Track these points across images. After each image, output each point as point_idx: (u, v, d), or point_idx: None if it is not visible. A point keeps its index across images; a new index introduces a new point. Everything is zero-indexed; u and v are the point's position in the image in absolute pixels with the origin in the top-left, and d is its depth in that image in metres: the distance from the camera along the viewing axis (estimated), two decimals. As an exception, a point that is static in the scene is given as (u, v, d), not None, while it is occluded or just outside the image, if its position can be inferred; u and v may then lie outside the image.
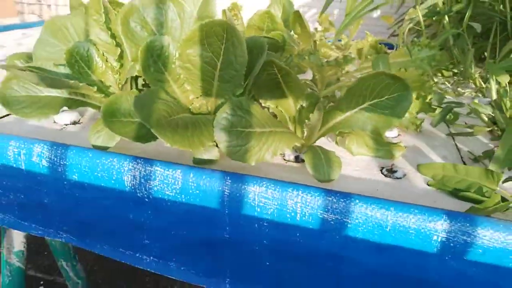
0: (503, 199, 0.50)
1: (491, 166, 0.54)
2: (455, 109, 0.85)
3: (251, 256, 0.52)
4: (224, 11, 1.03)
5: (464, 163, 0.65)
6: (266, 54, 0.56)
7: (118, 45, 0.60)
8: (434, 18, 1.19)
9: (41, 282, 1.83)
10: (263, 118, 0.53)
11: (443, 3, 1.20)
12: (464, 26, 1.01)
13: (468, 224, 0.43)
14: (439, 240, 0.44)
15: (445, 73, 1.22)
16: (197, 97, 0.58)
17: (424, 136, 0.75)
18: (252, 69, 0.53)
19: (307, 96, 0.55)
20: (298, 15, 0.82)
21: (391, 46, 1.64)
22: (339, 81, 0.98)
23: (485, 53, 1.19)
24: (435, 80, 1.14)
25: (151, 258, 0.56)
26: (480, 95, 1.05)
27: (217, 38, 0.52)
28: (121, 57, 0.61)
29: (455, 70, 1.21)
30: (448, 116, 0.82)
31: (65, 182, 0.56)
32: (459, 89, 1.11)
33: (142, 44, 0.54)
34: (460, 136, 0.75)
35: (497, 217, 0.50)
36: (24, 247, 1.07)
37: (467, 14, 1.01)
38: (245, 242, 0.51)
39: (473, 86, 1.11)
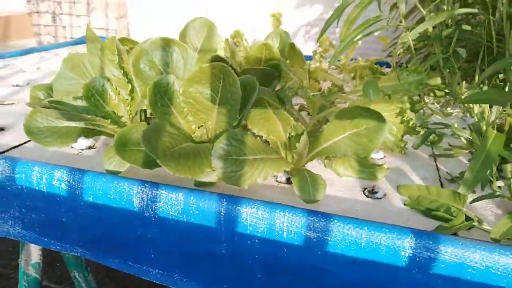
0: (468, 219, 0.56)
1: (460, 189, 0.60)
2: (440, 130, 0.92)
3: (244, 269, 0.58)
4: (227, 40, 1.11)
5: (442, 184, 0.71)
6: (260, 89, 0.64)
7: (130, 81, 0.68)
8: (425, 42, 1.25)
9: (54, 292, 1.92)
10: (256, 147, 0.60)
11: (435, 27, 1.27)
12: (451, 50, 1.07)
13: (431, 242, 0.50)
14: (406, 255, 0.50)
15: (438, 93, 1.28)
16: (199, 127, 0.66)
17: (408, 158, 0.82)
18: (246, 104, 0.60)
19: (295, 127, 0.62)
20: (292, 47, 0.89)
21: (389, 65, 1.71)
22: (334, 104, 1.06)
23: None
24: (427, 100, 1.21)
25: (157, 270, 0.63)
26: (468, 115, 1.11)
27: (215, 78, 0.60)
28: (132, 91, 0.69)
29: (447, 90, 1.27)
30: (432, 137, 0.89)
31: (82, 203, 0.64)
32: (448, 109, 1.17)
33: (150, 82, 0.62)
34: (442, 157, 0.82)
35: (463, 235, 0.56)
36: (40, 259, 1.14)
37: (454, 39, 1.07)
38: (239, 256, 0.58)
39: (462, 105, 1.17)
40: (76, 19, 2.57)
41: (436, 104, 1.18)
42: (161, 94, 0.63)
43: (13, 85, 1.23)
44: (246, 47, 1.52)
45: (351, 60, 1.63)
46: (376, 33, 1.61)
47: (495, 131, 0.65)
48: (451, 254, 0.49)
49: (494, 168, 0.66)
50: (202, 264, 0.61)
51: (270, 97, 0.73)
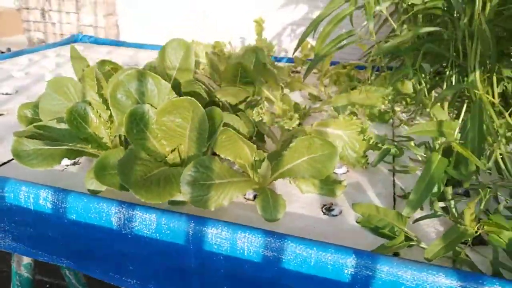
0: (407, 238, 0.63)
1: (405, 210, 0.67)
2: (403, 143, 0.99)
3: (212, 282, 0.65)
4: (207, 54, 1.17)
5: (395, 200, 0.78)
6: (229, 116, 0.70)
7: (109, 107, 0.74)
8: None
9: (47, 286, 2.00)
10: (222, 171, 0.66)
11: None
12: (417, 65, 1.14)
13: (370, 262, 0.57)
14: (349, 273, 0.58)
15: (409, 100, 1.35)
16: (173, 150, 0.72)
17: (369, 172, 0.89)
18: (214, 132, 0.67)
19: (257, 154, 0.68)
20: (264, 67, 0.95)
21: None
22: (309, 114, 1.12)
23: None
24: (398, 109, 1.27)
25: (134, 281, 0.70)
26: (435, 125, 1.18)
27: (185, 110, 0.66)
28: (111, 116, 0.75)
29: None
30: (394, 151, 0.95)
31: (66, 220, 0.70)
32: (418, 117, 1.24)
33: (127, 110, 0.68)
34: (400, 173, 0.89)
35: (405, 253, 0.63)
36: (31, 259, 1.21)
37: (420, 53, 1.14)
38: (207, 271, 0.65)
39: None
40: (65, 15, 2.59)
41: (405, 114, 1.25)
42: (137, 121, 0.69)
43: (2, 94, 1.28)
44: (231, 51, 1.57)
45: (332, 65, 1.69)
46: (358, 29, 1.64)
47: (439, 156, 0.72)
48: (387, 273, 0.56)
49: (442, 187, 0.73)
50: (174, 276, 0.68)
51: (241, 119, 0.79)
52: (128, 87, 0.70)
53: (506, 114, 0.89)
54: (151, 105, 0.71)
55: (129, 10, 2.52)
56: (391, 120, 1.22)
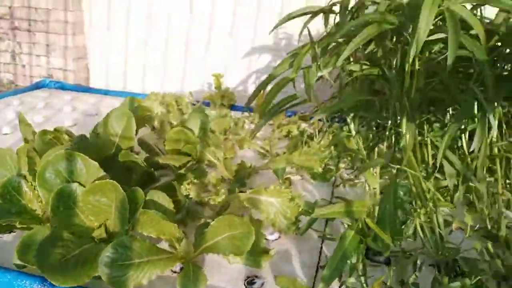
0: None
1: (319, 286, 0.71)
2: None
3: None
4: (157, 114, 1.21)
5: (317, 269, 0.82)
6: (156, 193, 0.74)
7: (40, 184, 0.77)
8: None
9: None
10: (143, 250, 0.69)
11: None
12: (355, 128, 1.21)
13: None
14: None
15: (354, 156, 1.41)
16: (100, 226, 0.75)
17: (300, 239, 0.92)
18: (134, 213, 0.70)
19: (178, 231, 0.72)
20: (205, 133, 1.00)
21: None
22: (256, 172, 1.16)
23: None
24: (342, 165, 1.33)
25: None
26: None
27: (109, 191, 0.70)
28: (42, 191, 0.78)
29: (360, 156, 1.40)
30: (327, 216, 1.00)
31: (-10, 297, 0.71)
32: (361, 175, 1.30)
33: (55, 189, 0.72)
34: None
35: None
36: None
37: (357, 118, 1.21)
38: None
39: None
40: (35, 58, 2.64)
41: (349, 171, 1.30)
42: (65, 199, 0.72)
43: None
44: (188, 105, 1.62)
45: (289, 115, 1.76)
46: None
47: (352, 232, 0.76)
48: None
49: (361, 257, 0.77)
50: None
51: (176, 188, 0.83)
52: (57, 166, 0.73)
53: (429, 184, 0.96)
54: (80, 183, 0.74)
55: (101, 56, 2.51)
56: (333, 178, 1.27)
